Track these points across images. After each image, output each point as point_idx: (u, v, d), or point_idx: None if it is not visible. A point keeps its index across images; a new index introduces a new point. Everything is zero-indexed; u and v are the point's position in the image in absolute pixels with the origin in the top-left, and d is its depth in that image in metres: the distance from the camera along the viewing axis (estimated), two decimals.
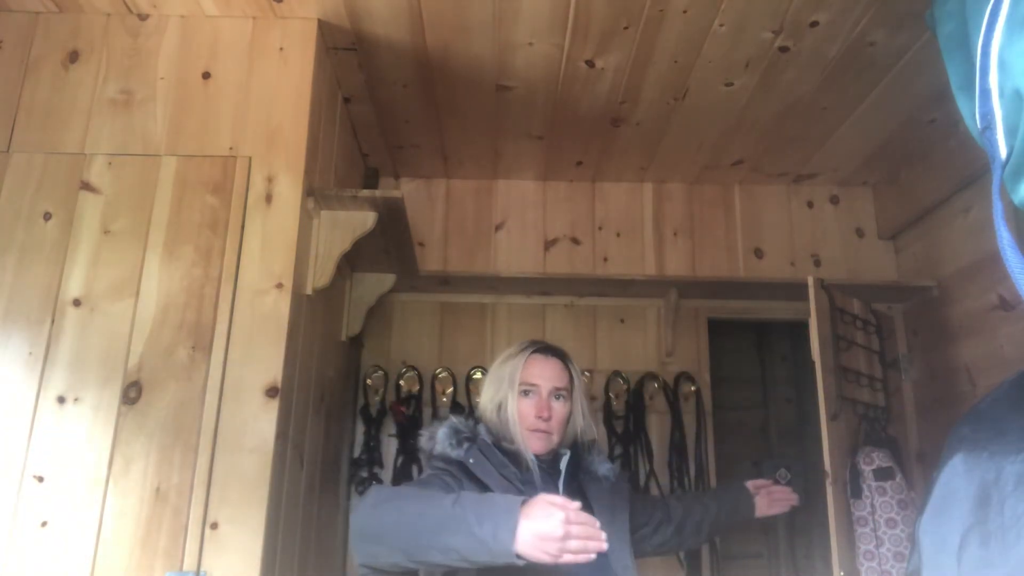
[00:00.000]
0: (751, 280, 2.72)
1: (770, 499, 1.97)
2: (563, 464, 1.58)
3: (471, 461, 1.48)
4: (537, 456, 1.53)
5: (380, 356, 2.72)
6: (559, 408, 1.54)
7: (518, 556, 1.12)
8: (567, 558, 1.12)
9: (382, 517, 1.26)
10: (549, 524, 1.11)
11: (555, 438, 1.54)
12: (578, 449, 1.64)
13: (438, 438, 1.53)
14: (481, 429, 1.56)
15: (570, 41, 1.98)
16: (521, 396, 1.54)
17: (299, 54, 1.86)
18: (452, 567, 1.21)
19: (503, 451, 1.52)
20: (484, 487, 1.44)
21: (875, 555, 2.04)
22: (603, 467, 1.64)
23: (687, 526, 1.84)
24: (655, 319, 2.79)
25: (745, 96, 2.25)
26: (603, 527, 1.45)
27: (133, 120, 1.80)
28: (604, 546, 1.15)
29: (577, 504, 1.16)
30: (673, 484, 2.60)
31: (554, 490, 1.51)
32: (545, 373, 1.56)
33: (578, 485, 1.58)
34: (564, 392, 1.56)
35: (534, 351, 1.59)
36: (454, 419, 1.56)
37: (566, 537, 1.11)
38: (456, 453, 1.49)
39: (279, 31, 1.88)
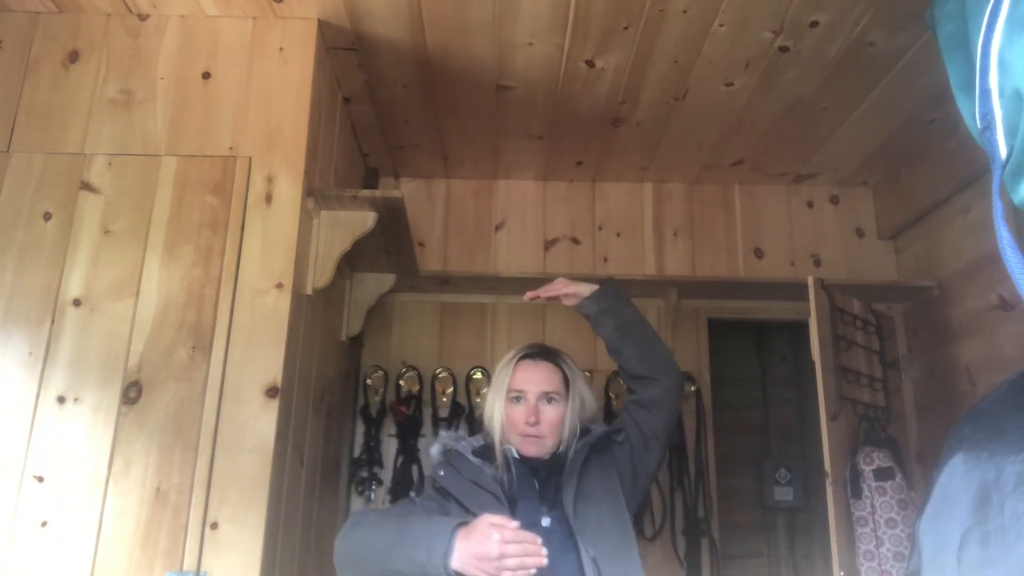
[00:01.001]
0: (751, 280, 2.72)
1: (557, 300, 1.82)
2: (568, 464, 1.56)
3: (441, 474, 1.53)
4: (533, 459, 1.54)
5: (380, 356, 2.72)
6: (550, 411, 1.54)
7: (457, 574, 1.22)
8: (505, 575, 1.21)
9: (351, 542, 1.40)
10: (485, 545, 1.21)
11: (548, 441, 1.54)
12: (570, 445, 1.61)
13: (431, 455, 1.62)
14: (464, 441, 1.58)
15: (570, 41, 1.98)
16: (513, 403, 1.56)
17: (299, 54, 1.86)
18: None
19: (487, 456, 1.54)
20: (456, 499, 1.49)
21: (875, 555, 2.04)
22: (577, 444, 1.56)
23: (634, 390, 1.68)
24: (655, 319, 2.79)
25: (745, 96, 2.25)
26: (581, 515, 1.44)
27: (133, 120, 1.80)
28: (543, 561, 1.23)
29: (515, 524, 1.24)
30: (673, 484, 2.61)
31: (530, 490, 1.51)
32: (532, 378, 1.56)
33: (559, 482, 1.54)
34: (556, 395, 1.56)
35: (522, 357, 1.60)
36: (444, 434, 1.64)
37: (502, 556, 1.20)
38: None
39: (279, 31, 1.88)
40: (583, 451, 1.54)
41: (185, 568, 1.50)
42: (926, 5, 1.12)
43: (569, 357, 1.66)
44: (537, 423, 1.52)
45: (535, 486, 1.51)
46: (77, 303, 1.65)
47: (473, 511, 1.44)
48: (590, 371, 2.68)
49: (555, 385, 1.57)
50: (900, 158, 2.63)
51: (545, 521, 1.45)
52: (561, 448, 1.58)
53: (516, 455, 1.54)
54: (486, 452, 1.57)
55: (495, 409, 1.57)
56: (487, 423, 1.61)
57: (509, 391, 1.56)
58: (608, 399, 2.65)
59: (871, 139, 2.52)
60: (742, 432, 3.69)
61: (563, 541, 1.41)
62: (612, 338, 1.71)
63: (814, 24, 1.88)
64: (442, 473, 1.53)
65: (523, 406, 1.54)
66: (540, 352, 1.63)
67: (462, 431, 2.64)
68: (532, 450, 1.53)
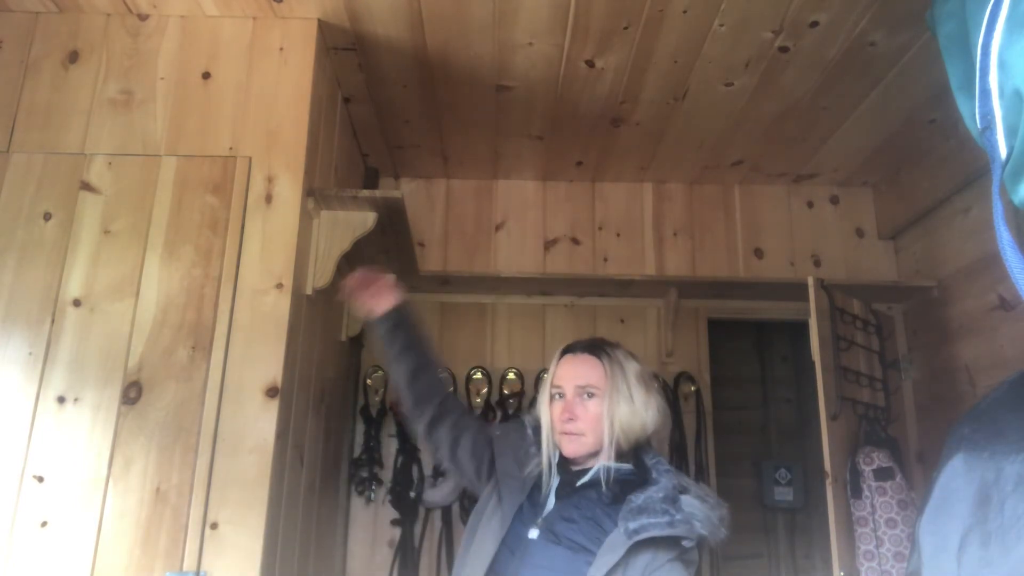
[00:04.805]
0: (751, 280, 2.72)
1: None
2: (583, 479, 1.39)
3: (497, 433, 1.52)
4: (570, 461, 1.43)
5: (380, 356, 2.72)
6: (588, 407, 1.40)
7: None
8: None
9: None
10: None
11: (589, 440, 1.39)
12: (639, 476, 1.38)
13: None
14: (532, 417, 1.54)
15: (570, 41, 1.98)
16: (555, 400, 1.46)
17: (299, 54, 1.86)
18: None
19: (539, 438, 1.47)
20: (495, 455, 1.49)
21: (875, 555, 2.04)
22: (634, 521, 1.26)
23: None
24: (655, 319, 2.79)
25: (745, 96, 2.25)
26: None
27: (133, 120, 1.80)
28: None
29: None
30: None
31: (535, 500, 1.41)
32: (570, 372, 1.46)
33: (593, 514, 1.34)
34: (594, 389, 1.41)
35: (565, 352, 1.50)
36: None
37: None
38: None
39: (279, 31, 1.88)
40: (622, 541, 1.26)
41: (185, 568, 1.50)
42: (926, 5, 1.12)
43: (620, 351, 1.48)
44: (572, 419, 1.40)
45: (539, 499, 1.41)
46: (77, 303, 1.65)
47: (500, 477, 1.43)
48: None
49: (594, 379, 1.42)
50: (900, 158, 2.63)
51: (533, 533, 1.34)
52: (595, 463, 1.40)
53: (556, 469, 1.44)
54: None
55: (542, 409, 1.48)
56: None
57: (551, 388, 1.47)
58: None
59: (871, 139, 2.52)
60: (742, 432, 3.69)
61: (551, 562, 1.30)
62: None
63: (814, 24, 1.88)
64: (498, 433, 1.52)
65: (561, 403, 1.44)
66: (583, 346, 1.50)
67: None
68: (570, 449, 1.40)
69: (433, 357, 1.63)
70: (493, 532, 1.37)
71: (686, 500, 1.31)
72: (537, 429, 1.47)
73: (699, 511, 1.30)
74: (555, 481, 1.42)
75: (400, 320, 1.62)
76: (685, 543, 1.27)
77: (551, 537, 1.32)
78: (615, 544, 1.26)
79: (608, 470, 1.37)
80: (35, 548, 1.50)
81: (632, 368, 1.44)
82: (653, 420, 1.41)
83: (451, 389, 2.65)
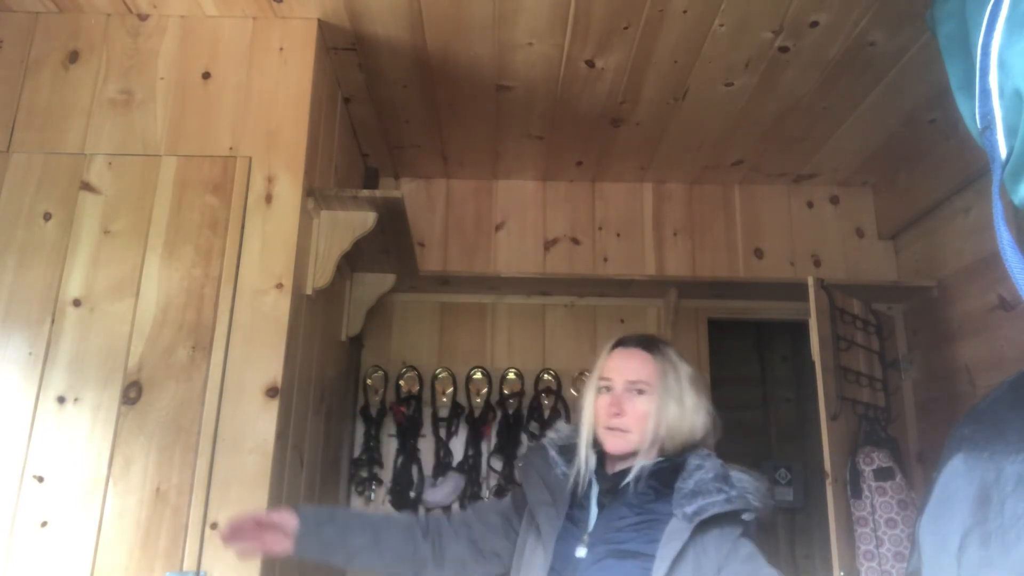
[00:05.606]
0: (751, 280, 2.72)
1: None
2: (631, 476, 1.33)
3: (519, 465, 1.48)
4: (608, 465, 1.38)
5: (380, 356, 2.72)
6: (637, 403, 1.34)
7: None
8: None
9: None
10: None
11: (634, 437, 1.33)
12: (672, 463, 1.33)
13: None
14: (556, 435, 1.47)
15: (570, 41, 1.98)
16: (601, 394, 1.40)
17: (299, 54, 1.86)
18: None
19: (569, 454, 1.41)
20: (525, 491, 1.41)
21: (875, 555, 2.04)
22: (690, 505, 1.23)
23: None
24: (655, 319, 2.79)
25: (745, 96, 2.25)
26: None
27: (133, 120, 1.80)
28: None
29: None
30: None
31: (583, 503, 1.35)
32: (621, 366, 1.40)
33: (642, 513, 1.29)
34: (645, 386, 1.35)
35: (616, 345, 1.45)
36: (557, 425, 1.50)
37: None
38: None
39: (279, 31, 1.88)
40: (683, 527, 1.22)
41: (185, 568, 1.50)
42: (926, 5, 1.12)
43: (673, 351, 1.42)
44: (619, 414, 1.34)
45: (580, 516, 1.34)
46: (77, 303, 1.65)
47: (532, 508, 1.36)
48: (589, 371, 2.66)
49: (645, 375, 1.37)
50: (900, 158, 2.63)
51: (580, 551, 1.28)
52: (635, 465, 1.33)
53: (593, 464, 1.39)
54: (570, 450, 1.42)
55: (586, 401, 1.42)
56: (578, 417, 1.46)
57: (599, 380, 1.41)
58: None
59: (871, 139, 2.52)
60: (742, 432, 3.69)
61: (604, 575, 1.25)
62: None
63: (814, 24, 1.88)
64: (520, 464, 1.46)
65: (608, 396, 1.38)
66: (636, 340, 1.44)
67: (456, 432, 2.64)
68: (613, 445, 1.35)
69: (375, 531, 1.38)
70: (539, 563, 1.31)
71: (736, 476, 1.30)
72: (561, 449, 1.43)
73: (750, 484, 1.29)
74: (595, 491, 1.37)
75: (318, 540, 1.33)
76: (745, 516, 1.25)
77: (600, 551, 1.27)
78: (676, 531, 1.22)
79: (644, 468, 1.33)
80: (35, 548, 1.50)
81: (685, 369, 1.40)
82: (703, 425, 1.37)
83: (451, 389, 2.66)
